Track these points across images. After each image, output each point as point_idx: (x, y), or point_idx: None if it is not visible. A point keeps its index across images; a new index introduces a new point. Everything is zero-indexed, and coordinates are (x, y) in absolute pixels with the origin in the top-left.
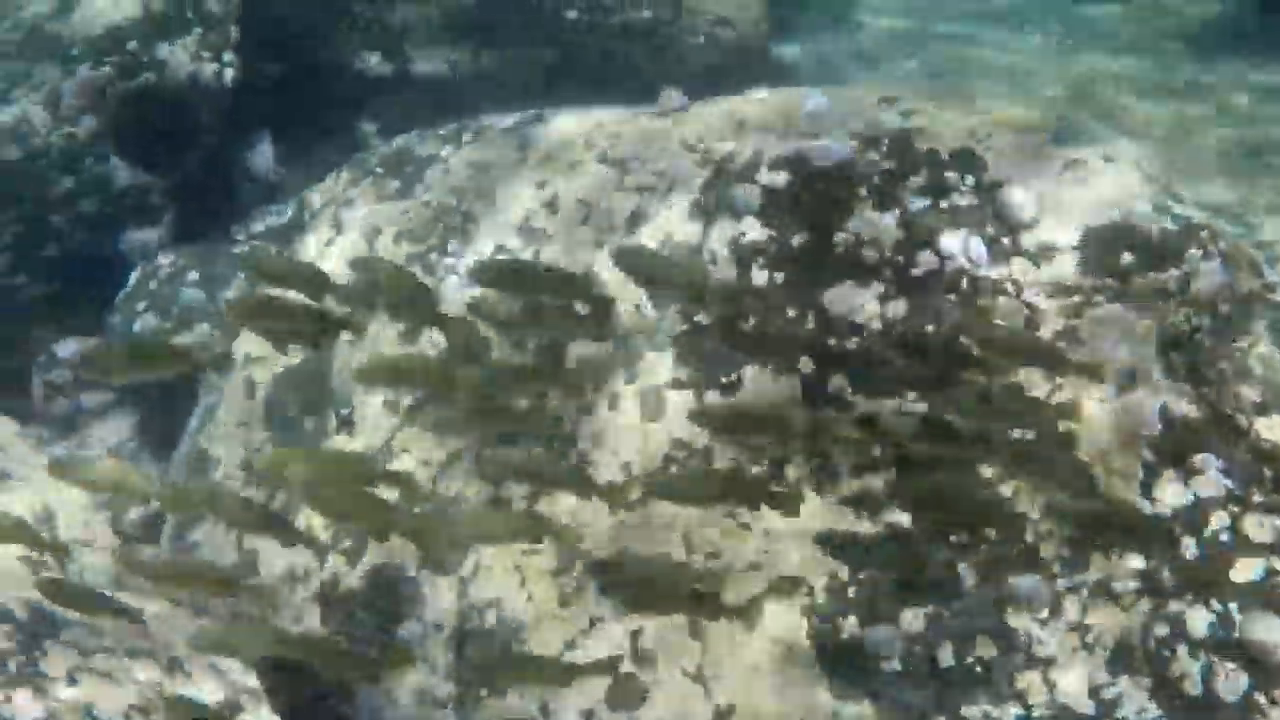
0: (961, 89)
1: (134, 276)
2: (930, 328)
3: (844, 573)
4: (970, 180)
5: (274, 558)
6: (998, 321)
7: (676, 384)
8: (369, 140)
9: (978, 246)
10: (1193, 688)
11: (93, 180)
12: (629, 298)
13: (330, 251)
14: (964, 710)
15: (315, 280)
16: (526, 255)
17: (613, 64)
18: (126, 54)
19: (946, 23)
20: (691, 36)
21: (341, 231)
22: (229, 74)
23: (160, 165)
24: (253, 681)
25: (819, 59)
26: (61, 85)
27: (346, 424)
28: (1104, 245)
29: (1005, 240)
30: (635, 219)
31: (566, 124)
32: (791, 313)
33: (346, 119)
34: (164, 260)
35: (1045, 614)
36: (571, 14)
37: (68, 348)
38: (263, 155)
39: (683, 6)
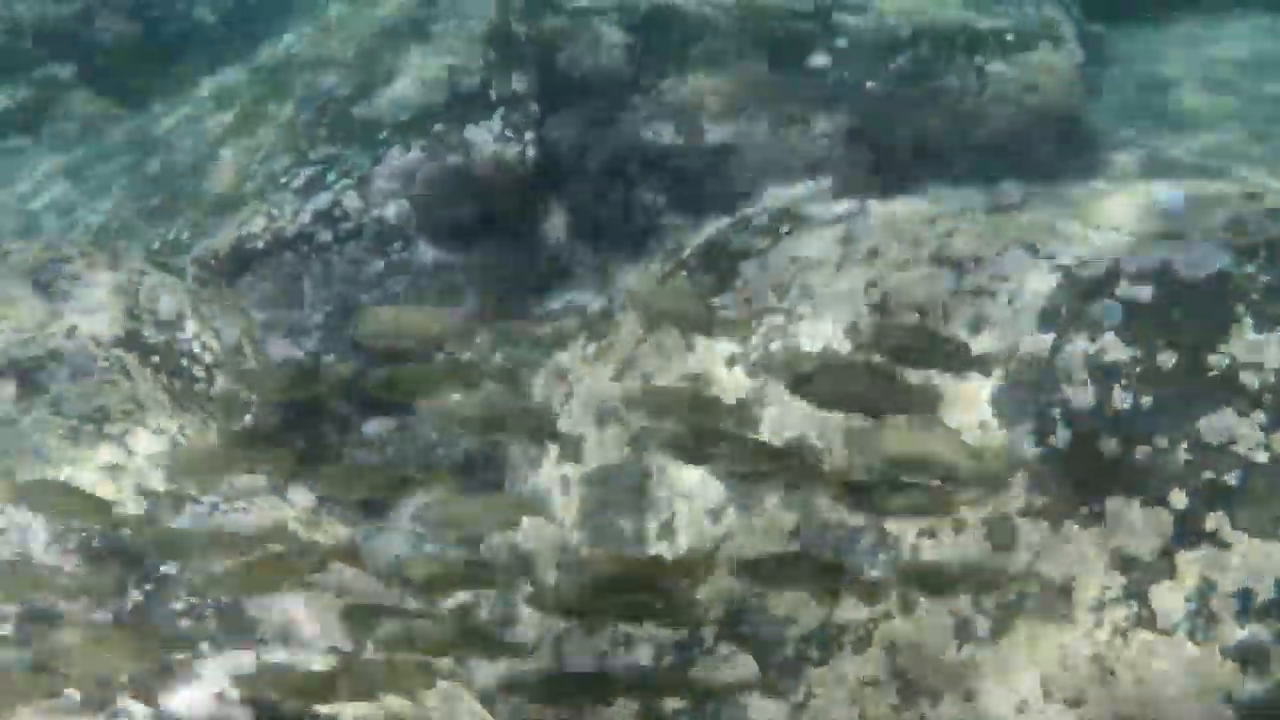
0: None
1: (441, 358)
2: None
3: None
4: None
5: None
6: None
7: (1029, 512)
8: (661, 213)
9: None
10: None
11: (400, 262)
12: (972, 414)
13: (646, 347)
14: None
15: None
16: (857, 361)
17: (913, 133)
18: (434, 136)
19: (1263, 79)
20: (998, 104)
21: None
22: (531, 153)
23: (464, 245)
24: None
25: (1130, 123)
26: (372, 170)
27: (667, 530)
28: None
29: None
30: (976, 326)
31: (893, 217)
32: (1161, 442)
33: (639, 191)
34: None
35: None
36: (870, 83)
37: (374, 427)
38: (564, 230)
39: (988, 72)
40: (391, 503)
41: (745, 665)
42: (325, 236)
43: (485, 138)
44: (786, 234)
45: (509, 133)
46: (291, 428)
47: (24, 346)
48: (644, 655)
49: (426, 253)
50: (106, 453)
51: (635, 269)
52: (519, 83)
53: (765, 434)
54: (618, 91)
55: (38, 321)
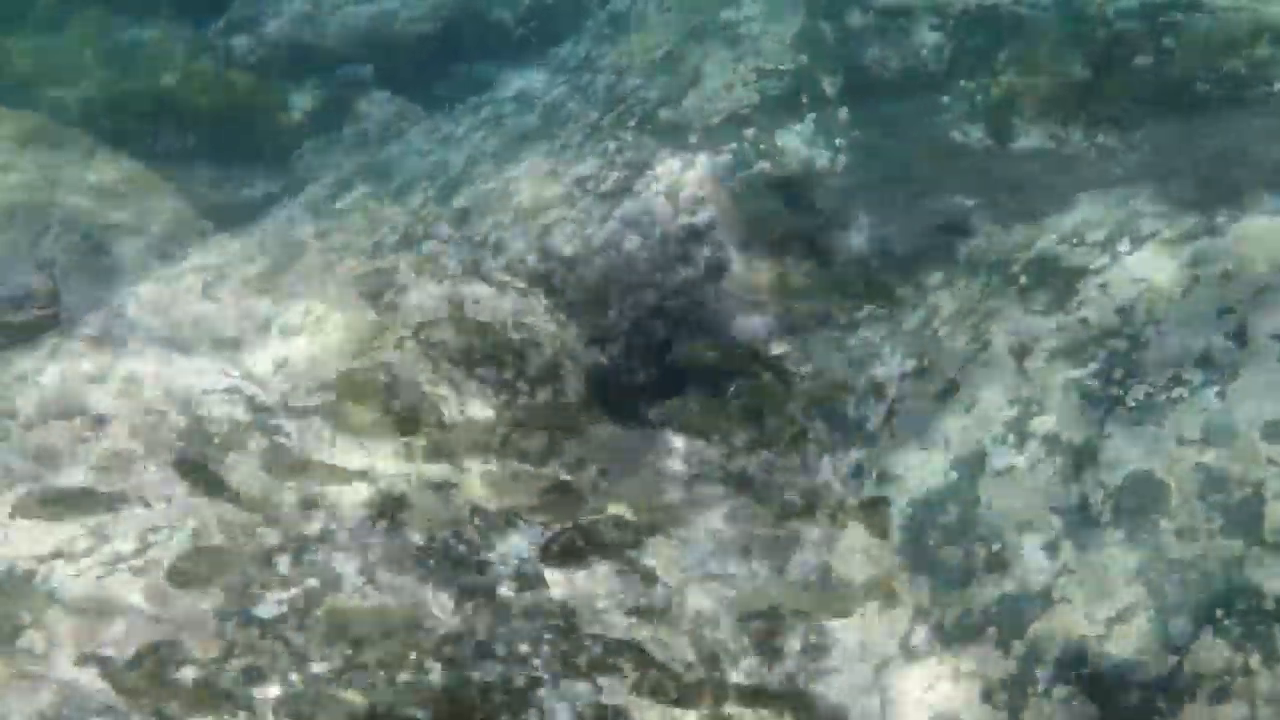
0: None
1: None
2: None
3: None
4: None
5: None
6: None
7: None
8: (968, 218)
9: None
10: None
11: (708, 269)
12: None
13: (982, 358)
14: None
15: None
16: (1218, 404)
17: (1249, 141)
18: (744, 141)
19: None
20: None
21: (986, 347)
22: (842, 158)
23: (772, 252)
24: None
25: None
26: (681, 175)
27: (998, 561)
28: None
29: None
30: None
31: (1249, 236)
32: None
33: (946, 196)
34: (777, 350)
35: None
36: (1204, 86)
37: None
38: (860, 236)
39: None
40: None
41: None
42: (633, 243)
43: (796, 143)
44: (1127, 252)
45: (820, 138)
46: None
47: (354, 359)
48: None
49: (734, 260)
50: (438, 471)
51: (944, 278)
52: (829, 85)
53: None
54: (926, 92)
55: (369, 333)
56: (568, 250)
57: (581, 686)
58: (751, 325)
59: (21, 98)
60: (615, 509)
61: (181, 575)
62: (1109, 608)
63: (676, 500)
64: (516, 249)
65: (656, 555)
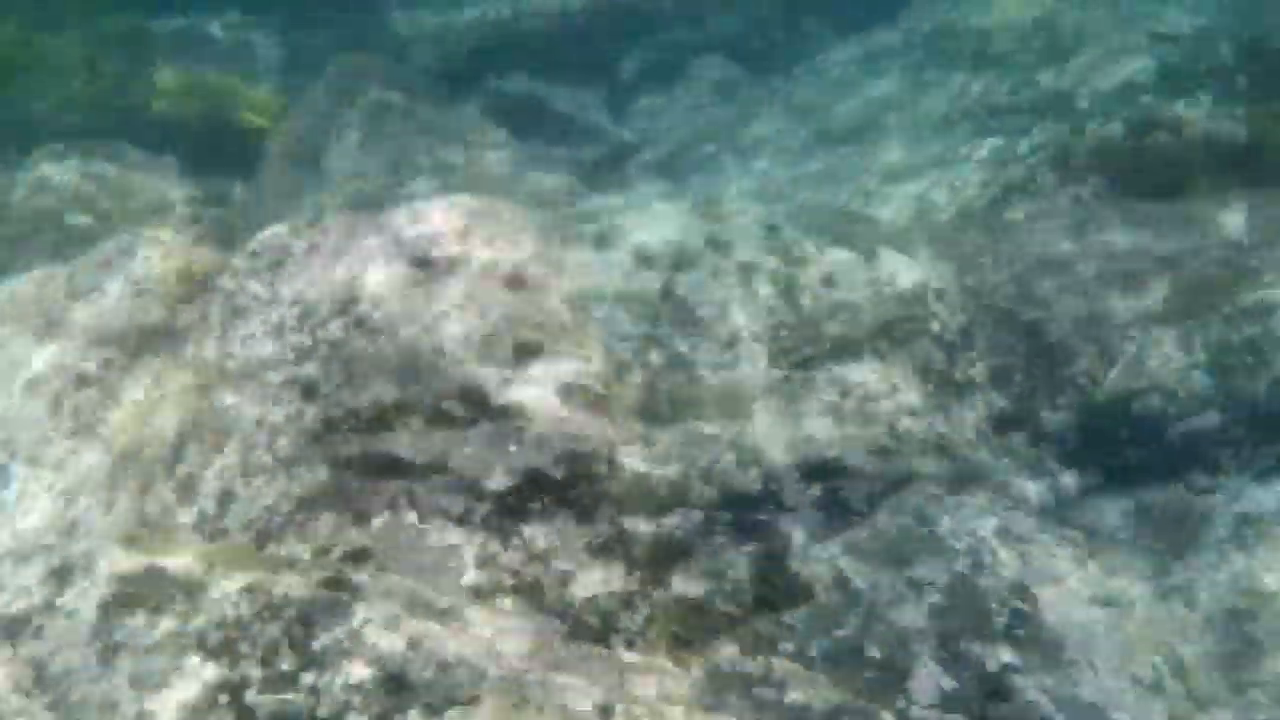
0: None
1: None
2: None
3: None
4: None
5: None
6: None
7: None
8: None
9: None
10: None
11: (1092, 245)
12: None
13: None
14: None
15: None
16: None
17: None
18: (1138, 110)
19: None
20: None
21: None
22: (1242, 131)
23: (1159, 230)
24: None
25: None
26: (1070, 143)
27: None
28: None
29: None
30: None
31: None
32: None
33: None
34: (1157, 334)
35: None
36: None
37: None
38: (1243, 217)
39: None
40: None
41: None
42: (1016, 216)
43: (1194, 114)
44: None
45: (1220, 108)
46: None
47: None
48: None
49: (1118, 236)
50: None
51: None
52: (1228, 51)
53: None
54: None
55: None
56: (945, 215)
57: None
58: (1130, 306)
59: None
60: None
61: None
62: None
63: None
64: (883, 211)
65: None
